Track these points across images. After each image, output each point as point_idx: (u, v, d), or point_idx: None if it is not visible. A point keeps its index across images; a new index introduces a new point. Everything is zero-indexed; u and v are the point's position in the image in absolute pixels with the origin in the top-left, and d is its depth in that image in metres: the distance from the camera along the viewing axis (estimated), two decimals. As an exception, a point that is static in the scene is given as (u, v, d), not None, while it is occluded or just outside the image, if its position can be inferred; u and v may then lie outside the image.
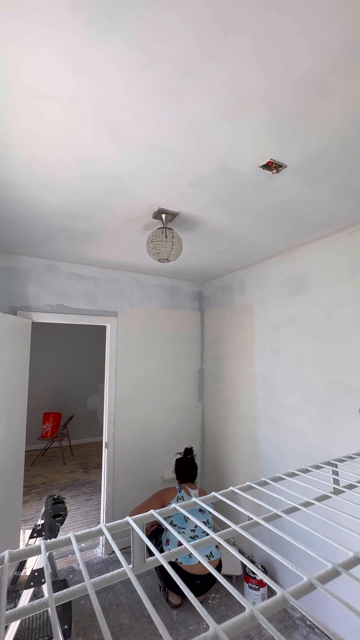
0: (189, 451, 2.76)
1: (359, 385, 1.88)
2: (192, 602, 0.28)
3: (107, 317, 2.97)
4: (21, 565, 2.03)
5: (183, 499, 2.43)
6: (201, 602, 2.29)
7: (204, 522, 2.33)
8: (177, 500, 2.42)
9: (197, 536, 2.29)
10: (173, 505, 0.46)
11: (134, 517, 0.42)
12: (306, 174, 1.44)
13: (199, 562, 2.15)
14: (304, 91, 0.99)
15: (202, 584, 2.15)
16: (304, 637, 1.94)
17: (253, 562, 2.57)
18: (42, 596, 1.01)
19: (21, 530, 2.75)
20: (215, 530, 2.75)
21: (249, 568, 1.73)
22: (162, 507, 2.39)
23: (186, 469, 2.65)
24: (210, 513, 2.38)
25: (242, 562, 2.48)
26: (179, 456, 2.79)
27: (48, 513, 1.89)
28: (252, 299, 2.82)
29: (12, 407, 2.30)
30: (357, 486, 0.53)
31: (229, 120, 1.11)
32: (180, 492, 2.49)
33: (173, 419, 3.25)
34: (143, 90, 0.99)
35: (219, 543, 0.38)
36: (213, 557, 2.27)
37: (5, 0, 0.74)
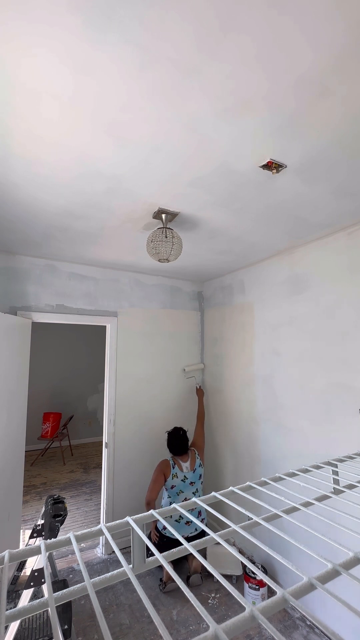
0: (177, 429, 2.78)
1: (359, 385, 1.88)
2: (192, 601, 0.28)
3: (107, 317, 2.97)
4: (21, 565, 2.03)
5: (177, 476, 2.59)
6: (198, 586, 2.40)
7: (193, 492, 2.59)
8: (172, 477, 2.57)
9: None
10: (173, 505, 0.46)
11: (134, 517, 0.42)
12: (306, 174, 1.43)
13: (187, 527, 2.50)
14: (304, 91, 0.99)
15: (188, 540, 2.19)
16: (304, 637, 1.94)
17: (253, 562, 2.57)
18: (42, 596, 1.01)
19: (21, 530, 2.74)
20: (214, 530, 2.77)
21: (249, 568, 1.72)
22: (165, 479, 2.57)
23: (175, 442, 2.70)
24: (201, 482, 2.67)
25: (242, 562, 2.49)
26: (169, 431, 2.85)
27: (48, 513, 1.89)
28: (252, 299, 2.82)
29: (12, 407, 2.30)
30: (357, 486, 0.53)
31: (229, 120, 1.11)
32: (174, 468, 2.60)
33: (173, 418, 3.25)
34: (143, 90, 0.99)
35: (219, 541, 0.38)
36: (197, 532, 2.53)
37: (5, 0, 0.74)
